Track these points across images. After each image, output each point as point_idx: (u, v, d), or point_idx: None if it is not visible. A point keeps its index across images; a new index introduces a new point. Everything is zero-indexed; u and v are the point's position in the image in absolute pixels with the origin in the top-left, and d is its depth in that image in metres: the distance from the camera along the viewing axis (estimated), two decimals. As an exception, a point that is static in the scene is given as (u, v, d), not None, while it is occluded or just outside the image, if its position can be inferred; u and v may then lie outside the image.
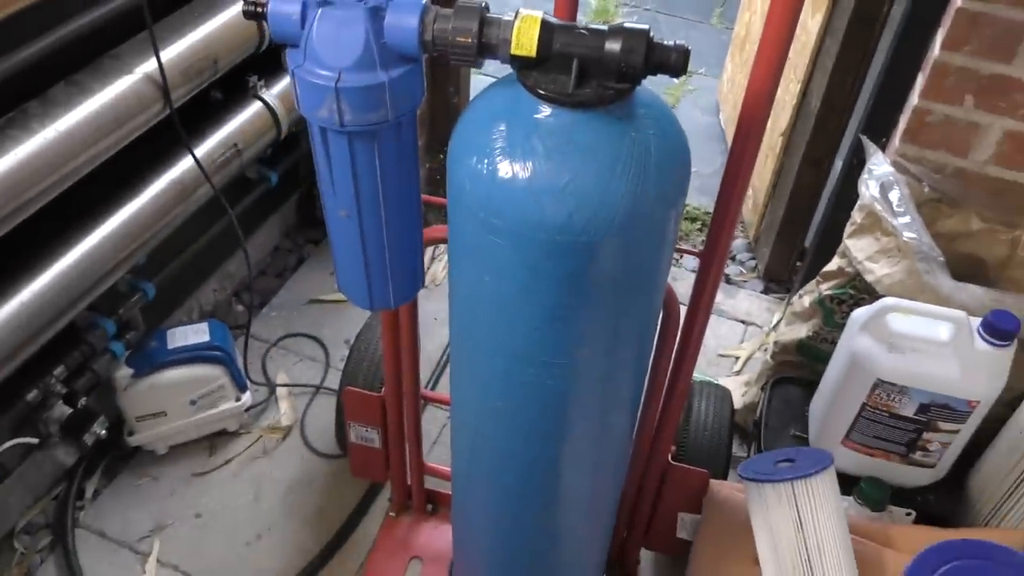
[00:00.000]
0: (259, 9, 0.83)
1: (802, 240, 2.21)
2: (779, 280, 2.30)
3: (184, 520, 1.73)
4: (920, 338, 1.36)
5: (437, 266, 2.28)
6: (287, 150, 1.97)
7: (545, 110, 0.81)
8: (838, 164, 1.98)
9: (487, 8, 0.81)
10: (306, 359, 2.06)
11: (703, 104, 2.95)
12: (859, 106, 1.89)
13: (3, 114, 1.30)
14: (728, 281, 2.32)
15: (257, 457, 1.86)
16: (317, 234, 2.34)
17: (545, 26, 0.79)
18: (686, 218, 2.50)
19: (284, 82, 1.82)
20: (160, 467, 1.81)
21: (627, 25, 0.79)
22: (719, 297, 2.24)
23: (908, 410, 1.40)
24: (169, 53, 1.48)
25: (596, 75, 0.80)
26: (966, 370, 1.34)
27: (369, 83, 0.80)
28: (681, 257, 2.34)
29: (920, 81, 1.56)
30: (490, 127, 0.83)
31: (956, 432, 1.41)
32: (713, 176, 2.54)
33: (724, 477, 1.59)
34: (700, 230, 2.48)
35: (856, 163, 1.70)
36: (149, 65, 1.44)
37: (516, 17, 0.80)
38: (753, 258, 2.38)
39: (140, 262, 1.60)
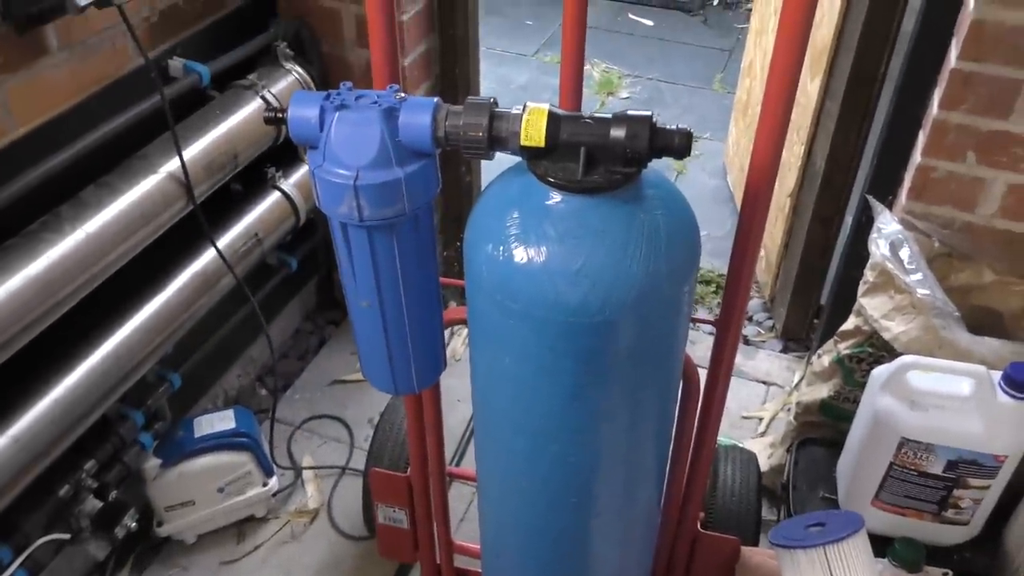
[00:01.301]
0: (280, 115, 0.88)
1: (817, 298, 2.23)
2: (797, 339, 2.30)
3: (214, 610, 1.73)
4: (942, 394, 1.37)
5: (456, 341, 2.30)
6: (305, 236, 2.01)
7: (556, 196, 0.84)
8: (848, 221, 2.01)
9: (495, 103, 0.86)
10: (331, 440, 2.07)
11: (710, 168, 3.00)
12: (863, 164, 1.92)
13: (38, 217, 1.35)
14: (746, 342, 2.33)
15: (285, 542, 1.85)
16: (337, 315, 2.37)
17: (552, 117, 0.83)
18: (700, 281, 2.52)
19: (301, 171, 1.88)
20: (190, 556, 1.81)
21: (630, 113, 0.83)
22: (739, 359, 2.24)
23: (936, 468, 1.39)
24: (192, 151, 1.54)
25: (603, 161, 0.83)
26: (990, 424, 1.34)
27: (386, 180, 0.83)
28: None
29: (921, 139, 1.59)
30: (504, 215, 0.86)
31: (987, 488, 1.40)
32: (724, 239, 2.57)
33: (755, 542, 1.58)
34: (715, 292, 2.49)
35: (865, 221, 1.72)
36: (173, 164, 1.50)
37: (524, 110, 0.84)
38: (770, 318, 2.39)
39: (166, 352, 1.63)
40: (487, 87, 3.49)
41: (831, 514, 1.32)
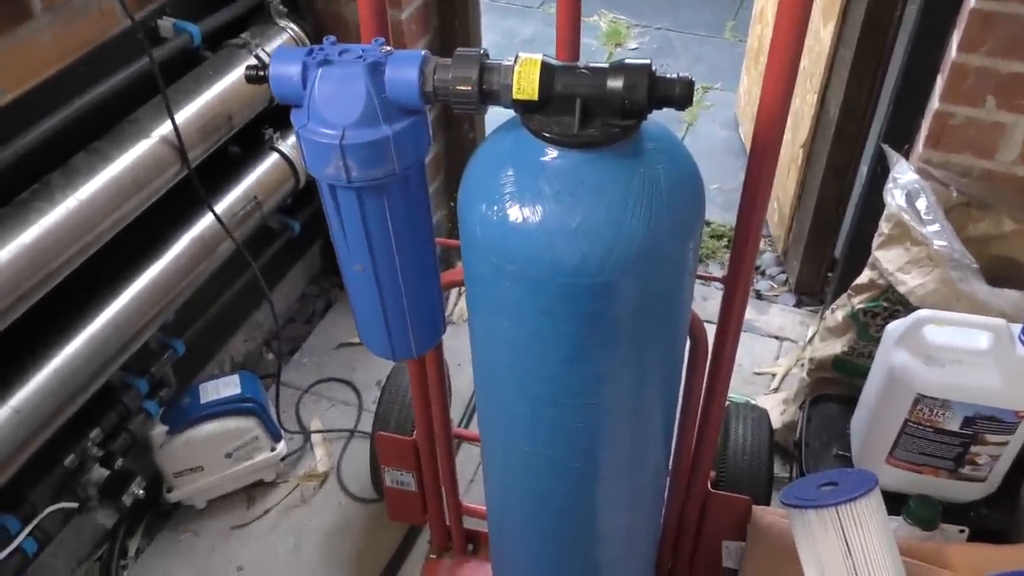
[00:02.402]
0: (261, 73, 0.84)
1: (832, 251, 2.18)
2: (811, 293, 2.26)
3: (226, 574, 1.73)
4: (959, 349, 1.33)
5: (464, 303, 2.28)
6: (307, 198, 1.98)
7: (551, 152, 0.80)
8: (863, 171, 1.95)
9: (486, 55, 0.81)
10: (339, 404, 2.06)
11: (721, 119, 2.93)
12: (879, 113, 1.86)
13: (28, 186, 1.33)
14: (759, 297, 2.29)
15: (295, 506, 1.86)
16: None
17: (545, 68, 0.79)
18: (712, 236, 2.47)
19: (300, 132, 1.84)
20: (200, 521, 1.82)
21: (628, 61, 0.78)
22: (752, 314, 2.21)
23: (953, 424, 1.36)
24: (185, 113, 1.50)
25: (600, 114, 0.79)
26: (1009, 379, 1.30)
27: (373, 138, 0.79)
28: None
29: (939, 84, 1.53)
30: (498, 172, 0.82)
31: (1005, 444, 1.37)
32: (736, 190, 2.48)
33: (767, 500, 1.56)
34: (727, 247, 2.45)
35: (880, 171, 1.67)
36: (166, 127, 1.46)
37: (516, 61, 0.79)
38: (783, 272, 2.34)
39: (169, 319, 1.61)
40: (492, 40, 3.42)
41: (844, 473, 1.30)
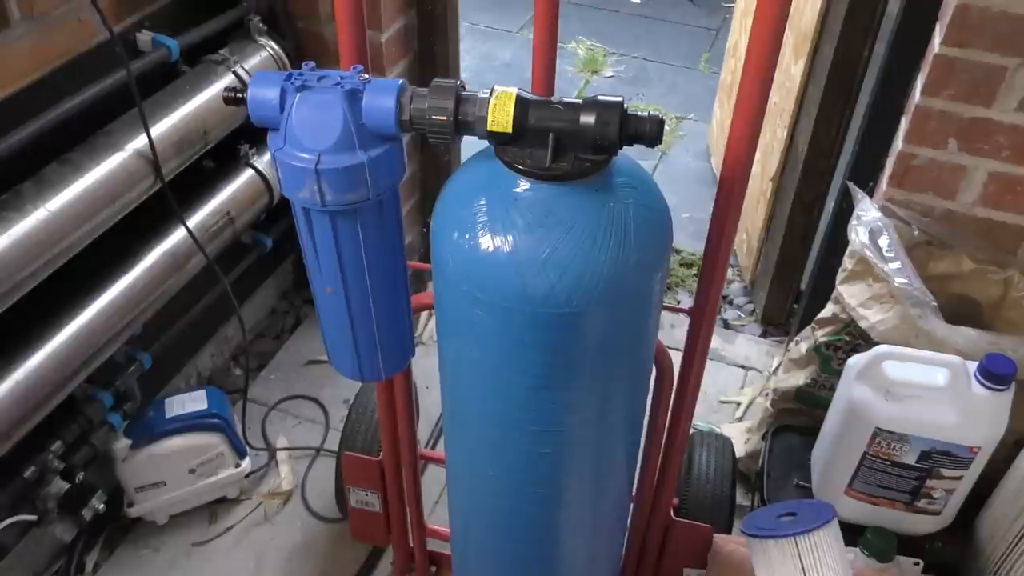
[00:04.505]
0: (239, 95, 0.85)
1: (798, 283, 2.22)
2: (777, 324, 2.30)
3: (185, 592, 1.72)
4: (917, 385, 1.36)
5: (434, 322, 2.28)
6: (281, 215, 1.98)
7: (524, 184, 0.82)
8: (829, 206, 1.99)
9: (463, 86, 0.83)
10: (306, 421, 2.05)
11: (694, 149, 2.98)
12: (845, 150, 1.90)
13: (-2, 196, 1.32)
14: (726, 326, 2.32)
15: (258, 523, 1.84)
16: (314, 294, 2.34)
17: (520, 102, 0.81)
18: (682, 264, 2.51)
19: (276, 148, 1.84)
20: (161, 537, 1.80)
21: (601, 98, 0.80)
22: (718, 343, 2.24)
23: (909, 458, 1.39)
24: (160, 127, 1.50)
25: (572, 148, 0.81)
26: (965, 416, 1.33)
27: (348, 164, 0.81)
28: (679, 303, 2.34)
29: (904, 125, 1.58)
30: (470, 202, 0.84)
31: (959, 478, 1.40)
32: (707, 220, 2.54)
33: (728, 528, 1.57)
34: (696, 276, 2.48)
35: (845, 207, 1.71)
36: (140, 141, 1.46)
37: (491, 94, 0.81)
38: (750, 302, 2.38)
39: (136, 332, 1.60)
40: (471, 64, 3.45)
41: (803, 504, 1.32)
